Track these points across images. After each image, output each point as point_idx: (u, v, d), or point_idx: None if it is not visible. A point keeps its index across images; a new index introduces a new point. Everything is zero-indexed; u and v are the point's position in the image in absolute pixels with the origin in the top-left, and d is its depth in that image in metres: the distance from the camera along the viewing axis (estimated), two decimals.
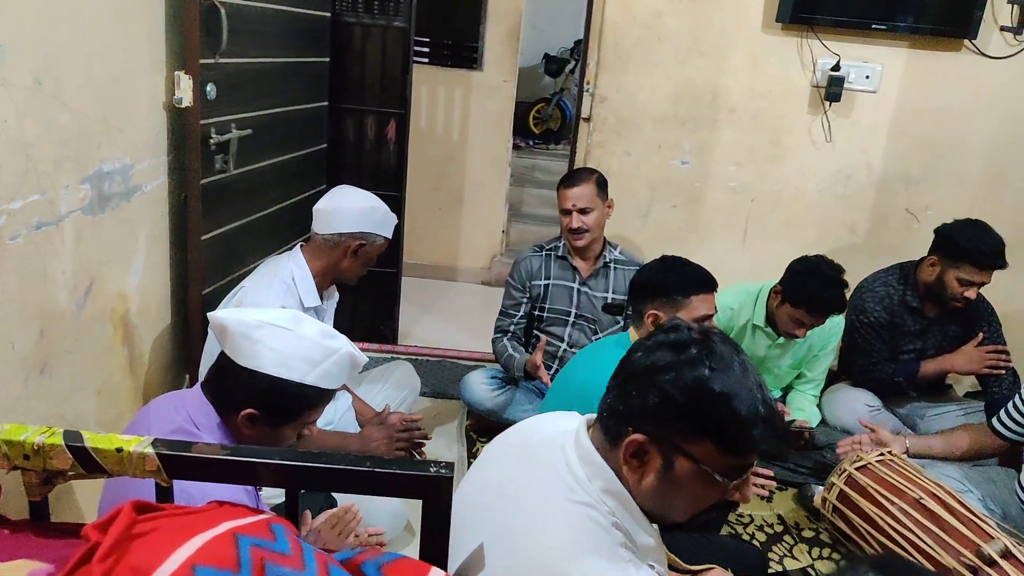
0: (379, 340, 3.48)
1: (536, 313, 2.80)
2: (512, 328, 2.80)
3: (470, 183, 4.51)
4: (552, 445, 1.19)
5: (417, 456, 2.24)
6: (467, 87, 4.39)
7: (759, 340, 2.77)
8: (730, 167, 3.18)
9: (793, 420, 2.69)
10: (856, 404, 2.82)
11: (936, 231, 2.78)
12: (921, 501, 2.19)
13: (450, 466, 1.16)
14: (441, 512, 1.16)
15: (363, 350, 3.31)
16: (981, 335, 2.81)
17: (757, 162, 3.19)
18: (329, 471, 1.13)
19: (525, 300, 2.78)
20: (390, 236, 2.22)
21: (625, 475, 1.10)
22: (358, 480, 1.14)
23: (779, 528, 2.51)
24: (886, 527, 2.19)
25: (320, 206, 2.19)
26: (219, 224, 2.44)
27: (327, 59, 3.05)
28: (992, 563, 1.98)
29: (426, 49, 4.46)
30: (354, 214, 2.15)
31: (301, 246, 2.20)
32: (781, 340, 2.72)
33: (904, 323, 2.85)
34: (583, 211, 2.69)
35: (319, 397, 1.46)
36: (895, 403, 2.91)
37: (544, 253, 2.81)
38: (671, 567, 1.64)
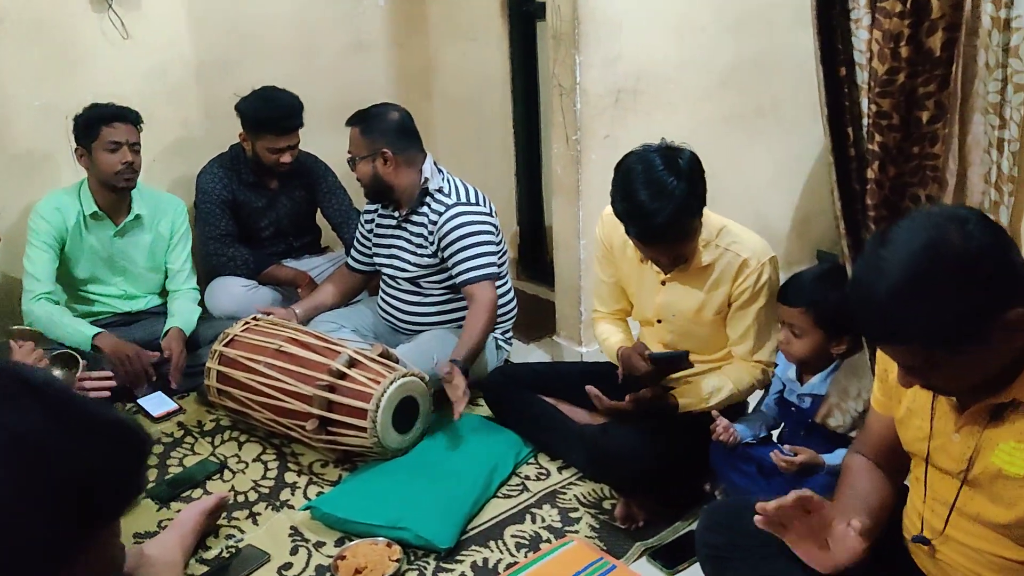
0: None
1: None
2: None
3: None
4: None
5: None
6: None
7: (95, 232, 2.59)
8: (25, 86, 2.79)
9: (169, 329, 2.57)
10: (234, 289, 2.80)
11: (235, 107, 2.82)
12: (281, 349, 2.28)
13: None
14: None
15: None
16: None
17: (59, 74, 2.85)
18: None
19: None
20: None
21: None
22: None
23: (179, 434, 2.40)
24: (259, 386, 2.24)
25: None
26: None
27: None
28: (343, 375, 2.15)
29: None
30: None
31: None
32: (123, 225, 2.59)
33: (249, 200, 2.89)
34: None
35: None
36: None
37: None
38: None
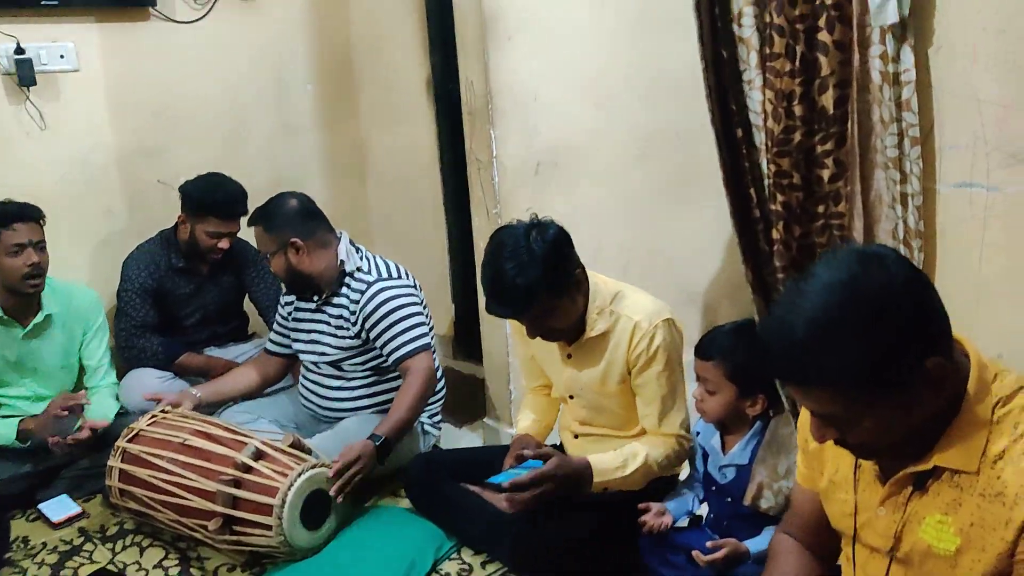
0: None
1: None
2: None
3: None
4: None
5: None
6: None
7: (1, 336, 2.44)
8: None
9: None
10: (148, 381, 2.65)
11: (179, 189, 2.79)
12: (186, 443, 2.13)
13: None
14: None
15: None
16: None
17: None
18: None
19: None
20: None
21: None
22: None
23: (78, 540, 2.23)
24: (161, 484, 2.09)
25: None
26: None
27: None
28: (249, 469, 2.02)
29: None
30: None
31: None
32: (32, 326, 2.45)
33: (176, 287, 2.80)
34: None
35: None
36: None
37: None
38: None
